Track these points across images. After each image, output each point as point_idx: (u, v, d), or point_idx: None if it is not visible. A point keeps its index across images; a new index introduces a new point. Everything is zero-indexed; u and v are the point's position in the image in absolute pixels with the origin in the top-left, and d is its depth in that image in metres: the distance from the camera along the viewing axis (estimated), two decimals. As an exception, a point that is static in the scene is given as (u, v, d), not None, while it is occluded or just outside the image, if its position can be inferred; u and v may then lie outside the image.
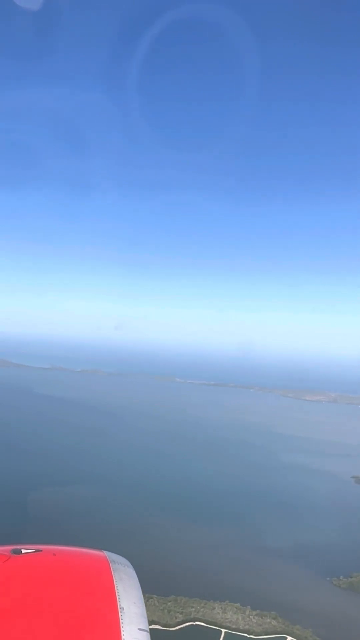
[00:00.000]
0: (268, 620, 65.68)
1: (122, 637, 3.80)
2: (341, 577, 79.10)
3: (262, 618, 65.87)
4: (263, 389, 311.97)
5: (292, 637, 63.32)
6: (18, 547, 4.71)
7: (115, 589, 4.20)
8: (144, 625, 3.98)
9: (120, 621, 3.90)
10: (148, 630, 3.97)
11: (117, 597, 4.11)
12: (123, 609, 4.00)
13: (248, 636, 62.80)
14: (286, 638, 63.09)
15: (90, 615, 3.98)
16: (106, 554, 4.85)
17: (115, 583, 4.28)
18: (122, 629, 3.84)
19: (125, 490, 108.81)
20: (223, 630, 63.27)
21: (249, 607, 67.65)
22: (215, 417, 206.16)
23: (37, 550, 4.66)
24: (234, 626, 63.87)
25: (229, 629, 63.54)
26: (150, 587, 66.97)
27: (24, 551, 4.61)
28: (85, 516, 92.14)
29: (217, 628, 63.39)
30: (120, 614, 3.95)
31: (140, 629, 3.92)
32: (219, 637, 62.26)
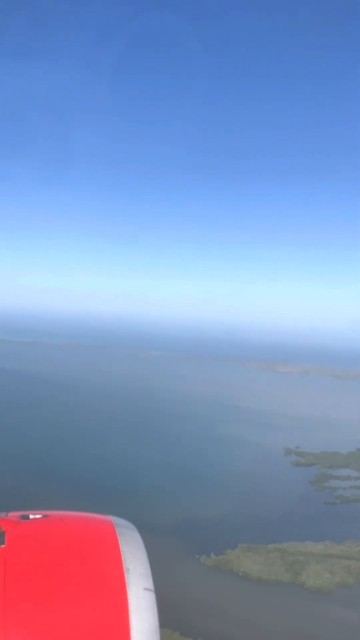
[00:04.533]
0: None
1: (128, 596, 3.87)
2: (212, 555, 74.15)
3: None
4: (238, 360, 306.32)
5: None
6: (26, 512, 4.63)
7: (121, 551, 4.19)
8: (149, 585, 4.04)
9: (126, 582, 3.95)
10: (153, 589, 4.01)
11: (123, 559, 4.12)
12: (129, 570, 4.04)
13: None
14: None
15: (97, 576, 4.02)
16: (111, 518, 4.71)
17: (120, 546, 4.25)
18: (128, 589, 3.90)
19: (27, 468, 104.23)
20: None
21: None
22: (170, 389, 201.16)
23: (44, 516, 4.62)
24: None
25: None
26: None
27: (31, 517, 4.57)
28: None
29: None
30: (126, 575, 4.00)
31: (145, 589, 3.98)
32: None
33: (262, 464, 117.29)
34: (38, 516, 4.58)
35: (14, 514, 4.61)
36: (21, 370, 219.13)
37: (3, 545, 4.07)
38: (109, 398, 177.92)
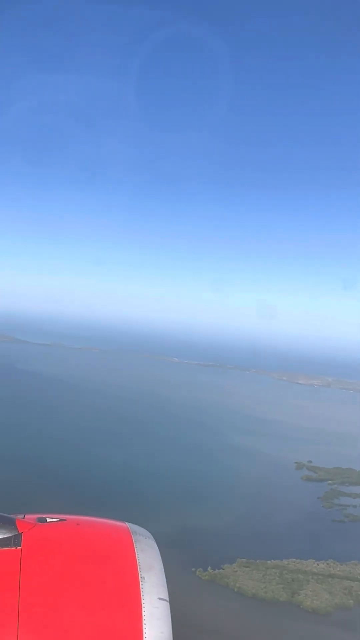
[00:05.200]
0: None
1: (143, 605, 3.86)
2: (209, 569, 71.97)
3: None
4: (259, 371, 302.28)
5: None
6: (43, 516, 4.64)
7: (137, 559, 4.17)
8: (164, 594, 4.01)
9: (141, 590, 3.94)
10: (168, 599, 3.98)
11: (138, 567, 4.11)
12: (144, 578, 4.02)
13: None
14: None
15: (111, 583, 4.00)
16: (128, 525, 4.70)
17: (136, 553, 4.23)
18: (142, 597, 3.89)
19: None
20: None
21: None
22: (187, 397, 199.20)
23: (61, 520, 4.62)
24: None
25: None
26: None
27: (48, 520, 4.57)
28: None
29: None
30: (141, 583, 3.99)
31: (160, 598, 3.96)
32: None
33: (271, 477, 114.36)
34: (55, 520, 4.54)
35: (31, 517, 4.55)
36: (41, 372, 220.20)
37: (19, 547, 4.01)
38: (123, 402, 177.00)
